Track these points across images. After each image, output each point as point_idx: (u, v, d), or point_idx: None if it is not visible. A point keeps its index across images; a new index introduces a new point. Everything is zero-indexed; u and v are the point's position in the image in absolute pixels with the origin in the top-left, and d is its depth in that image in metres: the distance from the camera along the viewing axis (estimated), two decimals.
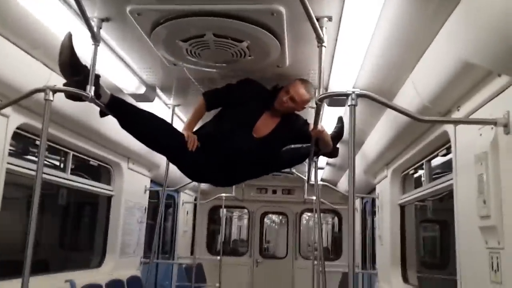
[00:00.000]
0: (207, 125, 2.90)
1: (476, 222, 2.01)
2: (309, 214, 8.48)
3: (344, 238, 7.82)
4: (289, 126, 2.90)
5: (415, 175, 4.02)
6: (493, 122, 1.88)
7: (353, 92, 1.87)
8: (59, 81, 2.33)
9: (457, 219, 2.37)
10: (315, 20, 1.88)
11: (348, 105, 1.88)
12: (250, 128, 2.77)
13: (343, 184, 6.21)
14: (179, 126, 3.33)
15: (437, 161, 3.36)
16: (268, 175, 6.36)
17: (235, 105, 2.80)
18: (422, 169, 3.55)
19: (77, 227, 5.03)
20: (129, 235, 4.66)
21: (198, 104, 2.86)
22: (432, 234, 4.84)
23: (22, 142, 3.29)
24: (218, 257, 6.49)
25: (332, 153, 3.27)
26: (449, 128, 2.52)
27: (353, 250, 1.73)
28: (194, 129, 2.83)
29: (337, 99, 2.96)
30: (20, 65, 2.44)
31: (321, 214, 5.33)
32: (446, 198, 3.66)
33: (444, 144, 2.94)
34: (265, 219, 8.52)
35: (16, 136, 2.81)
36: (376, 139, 3.80)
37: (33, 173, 2.11)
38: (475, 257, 2.08)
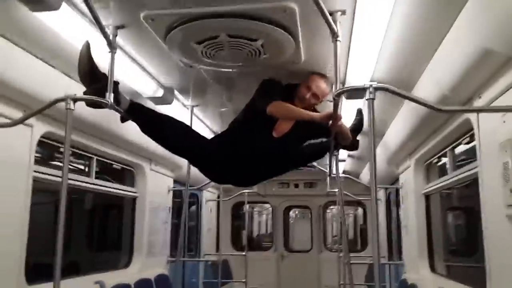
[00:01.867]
0: (228, 127, 2.92)
1: (503, 211, 1.98)
2: (332, 207, 8.46)
3: (370, 229, 7.76)
4: (308, 121, 2.88)
5: (439, 164, 3.96)
6: None
7: (371, 85, 1.84)
8: (79, 88, 2.38)
9: (483, 207, 2.33)
10: (328, 15, 1.86)
11: (366, 99, 1.86)
12: (271, 127, 2.77)
13: (365, 176, 6.16)
14: (198, 126, 3.36)
15: (461, 148, 3.31)
16: None
17: (255, 105, 2.79)
18: (446, 157, 3.49)
19: (104, 230, 5.13)
20: (155, 235, 4.73)
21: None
22: (458, 222, 4.76)
23: (48, 149, 3.37)
24: (244, 253, 6.52)
25: (353, 146, 3.24)
26: (471, 115, 2.48)
27: (378, 242, 1.72)
28: (214, 135, 2.84)
29: (354, 92, 2.96)
30: (41, 76, 2.50)
31: (345, 206, 5.30)
32: (472, 185, 3.60)
33: (467, 132, 2.89)
34: (290, 213, 8.52)
35: (41, 143, 2.88)
36: (398, 129, 3.75)
37: (59, 179, 2.16)
38: (503, 246, 2.05)
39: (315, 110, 2.93)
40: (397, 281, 5.02)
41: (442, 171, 3.88)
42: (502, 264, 2.12)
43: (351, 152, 5.59)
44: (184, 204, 4.52)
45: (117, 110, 2.43)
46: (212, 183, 5.79)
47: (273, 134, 2.78)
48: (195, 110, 3.73)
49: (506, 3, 1.62)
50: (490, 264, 2.26)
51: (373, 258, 1.76)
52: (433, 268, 3.99)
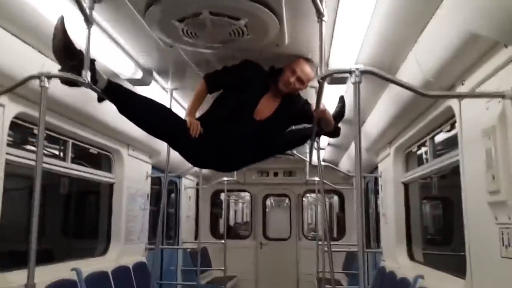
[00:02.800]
0: (208, 110, 2.85)
1: (485, 198, 1.98)
2: (311, 195, 8.49)
3: (347, 217, 7.82)
4: (291, 106, 2.85)
5: (418, 152, 3.98)
6: (501, 95, 1.83)
7: (357, 69, 1.81)
8: (53, 67, 2.27)
9: (464, 195, 2.34)
10: None
11: (352, 82, 1.82)
12: (252, 110, 2.72)
13: (344, 164, 6.18)
14: (177, 110, 3.28)
15: (441, 137, 3.32)
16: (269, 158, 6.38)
17: (236, 87, 2.74)
18: (426, 146, 3.51)
19: (80, 216, 5.02)
20: (132, 222, 4.65)
21: (199, 87, 2.78)
22: (436, 211, 4.82)
23: (21, 132, 3.25)
24: (222, 241, 6.50)
25: (334, 133, 3.22)
26: (453, 103, 2.47)
27: (363, 230, 1.70)
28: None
29: (337, 77, 2.93)
30: (13, 52, 2.38)
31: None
32: (449, 175, 3.63)
33: (448, 120, 2.90)
34: (267, 201, 8.52)
35: (14, 126, 2.76)
36: (378, 117, 3.75)
37: (33, 163, 2.07)
38: (485, 233, 2.06)
39: (296, 95, 2.88)
40: (375, 268, 5.07)
41: (421, 160, 3.90)
42: (483, 251, 2.13)
43: (331, 140, 5.60)
44: (162, 191, 4.45)
45: (94, 89, 2.33)
46: (192, 170, 5.72)
47: (255, 117, 2.72)
48: (174, 93, 3.64)
49: None
50: (471, 251, 2.27)
51: (358, 246, 1.75)
52: (411, 256, 4.03)
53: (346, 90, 3.34)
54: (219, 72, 2.78)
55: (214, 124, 2.68)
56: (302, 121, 3.07)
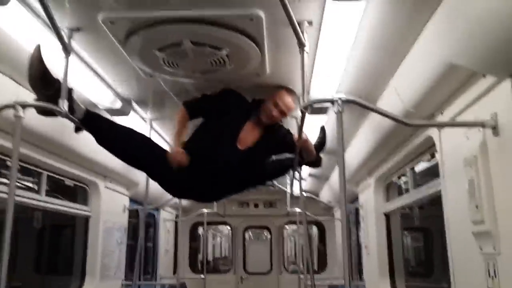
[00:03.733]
0: (189, 139, 2.81)
1: (469, 228, 1.96)
2: (292, 226, 8.38)
3: (329, 249, 7.73)
4: (273, 136, 2.84)
5: (399, 182, 3.99)
6: (481, 124, 1.84)
7: (339, 98, 1.81)
8: (28, 97, 2.21)
9: (447, 225, 2.32)
10: (296, 24, 1.82)
11: (335, 112, 1.82)
12: (234, 139, 2.69)
13: (325, 195, 6.16)
14: (157, 140, 3.23)
15: (421, 166, 3.34)
16: (249, 189, 6.32)
17: (216, 116, 2.72)
18: (406, 176, 3.52)
19: (54, 251, 4.83)
20: (109, 256, 4.48)
21: (180, 115, 2.71)
22: (418, 242, 4.81)
23: None
24: (202, 276, 6.31)
25: (316, 163, 3.21)
26: (433, 133, 2.49)
27: (350, 262, 1.65)
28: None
29: (318, 107, 2.94)
30: None
31: (302, 226, 5.25)
32: (429, 205, 3.64)
33: (427, 150, 2.92)
34: (246, 234, 8.38)
35: None
36: (358, 147, 3.76)
37: (5, 196, 1.98)
38: (470, 264, 2.03)
39: (277, 125, 2.87)
40: None
41: (401, 190, 3.91)
42: (468, 282, 2.10)
43: (312, 171, 5.58)
44: (140, 224, 4.32)
45: (71, 119, 2.27)
46: (171, 202, 5.61)
47: (237, 146, 2.70)
48: (154, 123, 3.59)
49: (471, 19, 1.63)
50: (456, 282, 2.24)
51: (344, 280, 1.71)
52: None
53: (327, 120, 3.35)
54: (199, 99, 2.76)
55: (195, 154, 2.63)
56: (284, 151, 3.05)
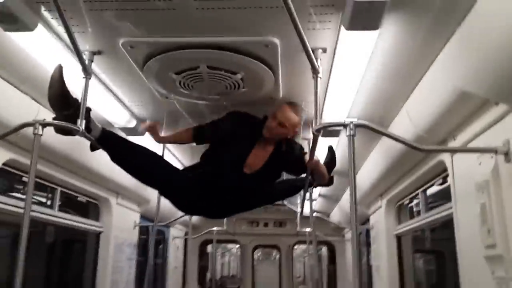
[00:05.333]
0: (199, 163, 2.85)
1: (481, 252, 1.96)
2: (296, 247, 8.31)
3: (339, 270, 7.66)
4: (285, 154, 2.78)
5: (410, 205, 3.98)
6: (494, 151, 1.86)
7: (351, 122, 1.84)
8: (47, 115, 2.27)
9: (459, 249, 2.31)
10: (311, 51, 1.86)
11: (347, 135, 1.85)
12: (241, 165, 2.68)
13: (335, 215, 6.14)
14: (170, 160, 3.28)
15: (432, 190, 3.33)
16: (259, 208, 6.32)
17: (224, 140, 2.71)
18: (417, 198, 3.51)
19: (65, 266, 4.85)
20: (118, 273, 4.50)
21: (186, 132, 2.81)
22: (429, 265, 4.75)
23: (7, 178, 3.19)
24: None
25: (328, 182, 3.23)
26: (445, 157, 2.50)
27: (359, 282, 1.66)
28: (188, 165, 2.77)
29: (329, 130, 2.96)
30: (7, 99, 2.37)
31: (311, 246, 5.23)
32: (441, 228, 3.62)
33: (440, 174, 2.92)
34: (255, 254, 8.33)
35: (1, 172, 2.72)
36: (369, 170, 3.77)
37: (21, 210, 2.02)
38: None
39: (290, 142, 2.81)
40: None
41: (413, 212, 3.89)
42: None
43: (322, 192, 5.58)
44: (150, 241, 4.34)
45: (88, 138, 2.33)
46: (181, 220, 5.62)
47: (245, 170, 2.69)
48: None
49: (484, 47, 1.66)
50: None
51: None
52: None
53: (338, 142, 3.37)
54: (208, 126, 2.78)
55: (204, 177, 2.67)
56: (294, 173, 3.05)
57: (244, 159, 2.69)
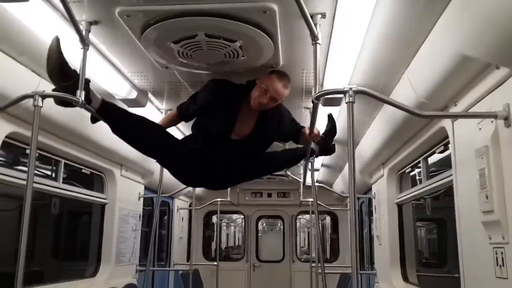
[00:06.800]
0: (190, 134, 2.87)
1: (479, 218, 1.98)
2: (301, 216, 8.43)
3: (341, 239, 7.78)
4: (273, 121, 2.76)
5: (412, 173, 4.00)
6: (493, 115, 1.85)
7: (351, 88, 1.84)
8: (47, 87, 2.27)
9: (458, 215, 2.34)
10: (309, 17, 1.84)
11: (346, 102, 1.85)
12: (229, 131, 2.68)
13: (338, 185, 6.18)
14: (171, 130, 3.28)
15: (434, 158, 3.34)
16: (262, 179, 6.36)
17: (207, 110, 2.68)
18: (419, 167, 3.52)
19: (70, 236, 4.95)
20: (124, 243, 4.58)
21: (171, 113, 2.87)
22: (430, 233, 4.81)
23: (12, 152, 3.22)
24: (215, 263, 6.42)
25: (329, 150, 3.24)
26: (446, 124, 2.49)
27: (356, 251, 1.69)
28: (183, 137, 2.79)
29: (330, 99, 2.95)
30: (7, 72, 2.37)
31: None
32: (442, 196, 3.65)
33: (441, 141, 2.92)
34: (259, 224, 8.45)
35: (5, 145, 2.74)
36: (371, 138, 3.77)
37: (24, 182, 2.05)
38: (479, 253, 2.05)
39: (277, 110, 2.75)
40: None
41: (415, 181, 3.91)
42: (477, 272, 2.12)
43: (325, 161, 5.61)
44: (155, 211, 4.40)
45: (88, 109, 2.33)
46: (185, 191, 5.69)
47: (233, 138, 2.71)
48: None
49: (485, 10, 1.64)
50: (465, 271, 2.26)
51: (352, 268, 1.75)
52: (405, 278, 4.00)
53: (339, 111, 3.36)
54: (189, 101, 2.77)
55: (198, 147, 2.70)
56: (286, 139, 3.10)
57: (231, 127, 2.68)
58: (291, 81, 2.62)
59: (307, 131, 2.82)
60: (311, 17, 1.94)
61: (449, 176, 2.62)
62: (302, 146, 3.14)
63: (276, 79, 2.51)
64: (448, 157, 2.61)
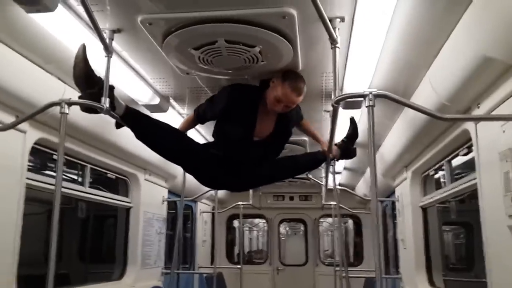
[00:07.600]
0: (214, 139, 2.89)
1: (505, 221, 1.95)
2: (322, 220, 8.38)
3: (365, 242, 7.69)
4: (292, 115, 2.83)
5: (436, 176, 3.94)
6: None
7: (371, 92, 1.83)
8: (73, 94, 2.34)
9: (483, 219, 2.29)
10: (328, 21, 1.85)
11: (366, 106, 1.84)
12: (250, 134, 2.70)
13: (361, 188, 6.13)
14: (193, 135, 3.33)
15: (458, 160, 3.28)
16: (284, 182, 6.35)
17: (226, 114, 2.70)
18: (443, 169, 3.47)
19: (97, 240, 5.05)
20: (149, 246, 4.65)
21: (188, 118, 2.92)
22: (456, 236, 4.73)
23: (41, 157, 3.32)
24: (239, 266, 6.44)
25: (350, 154, 3.23)
26: (469, 126, 2.45)
27: (379, 255, 1.68)
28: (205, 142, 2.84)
29: (350, 102, 2.94)
30: (35, 80, 2.45)
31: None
32: (468, 199, 3.58)
33: (465, 143, 2.87)
34: (281, 228, 8.43)
35: (35, 151, 2.82)
36: (393, 141, 3.73)
37: (53, 187, 2.11)
38: (505, 258, 2.01)
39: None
40: None
41: (439, 184, 3.85)
42: (504, 276, 2.08)
43: (347, 165, 5.57)
44: (178, 215, 4.45)
45: (112, 116, 2.39)
46: (207, 194, 5.74)
47: (256, 139, 2.73)
48: None
49: (505, 11, 1.61)
50: (492, 275, 2.22)
51: (376, 272, 1.74)
52: (431, 282, 3.94)
53: (360, 114, 3.35)
54: (205, 107, 2.79)
55: (221, 150, 2.74)
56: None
57: (252, 130, 2.70)
58: (310, 85, 2.65)
59: (327, 144, 3.01)
60: (330, 21, 1.94)
61: (473, 179, 2.58)
62: (323, 149, 3.14)
63: (289, 88, 2.50)
64: (472, 159, 2.57)
